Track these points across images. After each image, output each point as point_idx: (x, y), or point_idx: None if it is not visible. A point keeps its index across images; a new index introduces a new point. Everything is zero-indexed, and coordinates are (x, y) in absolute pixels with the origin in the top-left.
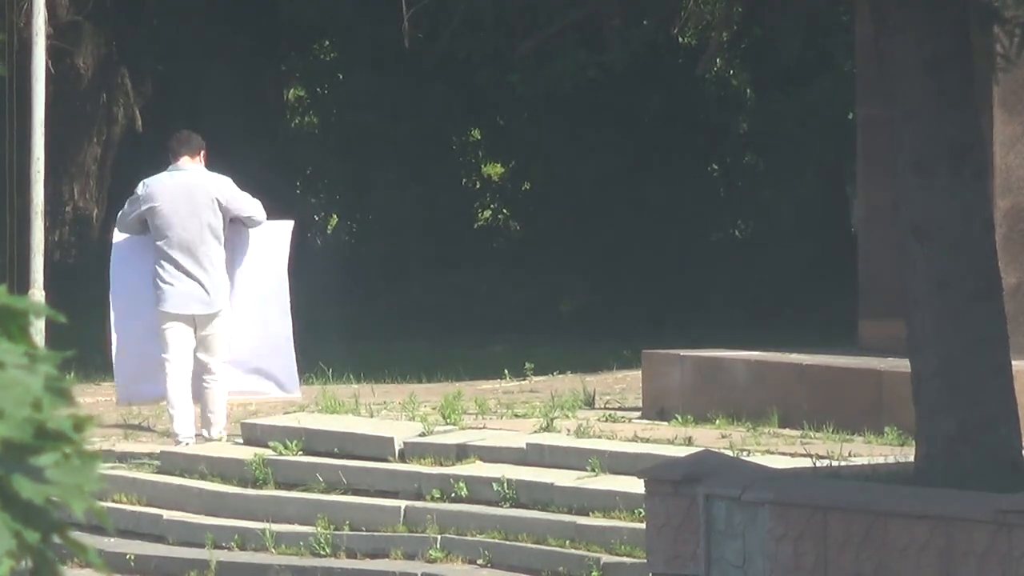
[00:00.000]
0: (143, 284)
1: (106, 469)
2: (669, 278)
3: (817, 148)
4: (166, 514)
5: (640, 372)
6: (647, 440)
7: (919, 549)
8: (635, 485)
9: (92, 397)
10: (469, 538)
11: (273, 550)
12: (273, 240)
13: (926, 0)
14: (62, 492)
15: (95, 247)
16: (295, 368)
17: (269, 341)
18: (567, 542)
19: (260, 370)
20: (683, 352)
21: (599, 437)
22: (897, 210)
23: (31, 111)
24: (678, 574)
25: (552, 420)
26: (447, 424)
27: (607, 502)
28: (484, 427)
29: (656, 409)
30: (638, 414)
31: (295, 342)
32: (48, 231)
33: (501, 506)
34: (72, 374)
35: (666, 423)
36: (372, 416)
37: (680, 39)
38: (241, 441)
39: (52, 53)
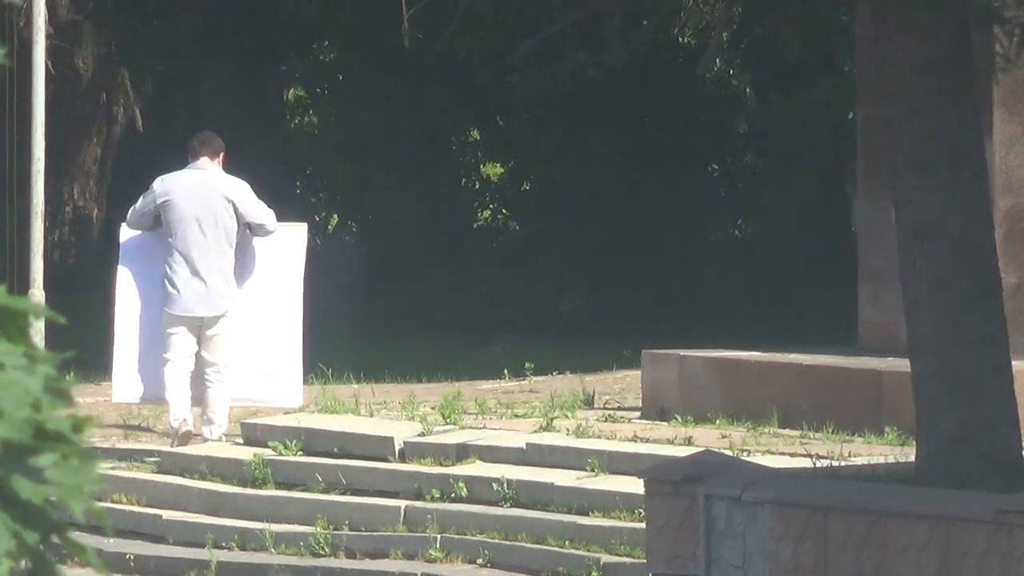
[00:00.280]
0: (150, 282)
1: (106, 469)
2: (669, 278)
3: (817, 148)
4: (166, 514)
5: (640, 372)
6: (647, 440)
7: (919, 549)
8: (635, 485)
9: (92, 397)
10: (469, 538)
11: (273, 550)
12: (288, 246)
13: (926, 0)
14: (61, 493)
15: (95, 247)
16: (300, 378)
17: (277, 348)
18: (567, 542)
19: (264, 376)
20: (683, 352)
21: (599, 437)
22: (897, 210)
23: (31, 111)
24: (678, 574)
25: (552, 420)
26: (447, 424)
27: (607, 502)
28: (484, 427)
29: (656, 409)
30: (638, 414)
31: (304, 347)
32: (48, 231)
33: (501, 506)
34: (72, 374)
35: (666, 423)
36: (372, 416)
37: (680, 39)
38: (241, 441)
39: (52, 53)
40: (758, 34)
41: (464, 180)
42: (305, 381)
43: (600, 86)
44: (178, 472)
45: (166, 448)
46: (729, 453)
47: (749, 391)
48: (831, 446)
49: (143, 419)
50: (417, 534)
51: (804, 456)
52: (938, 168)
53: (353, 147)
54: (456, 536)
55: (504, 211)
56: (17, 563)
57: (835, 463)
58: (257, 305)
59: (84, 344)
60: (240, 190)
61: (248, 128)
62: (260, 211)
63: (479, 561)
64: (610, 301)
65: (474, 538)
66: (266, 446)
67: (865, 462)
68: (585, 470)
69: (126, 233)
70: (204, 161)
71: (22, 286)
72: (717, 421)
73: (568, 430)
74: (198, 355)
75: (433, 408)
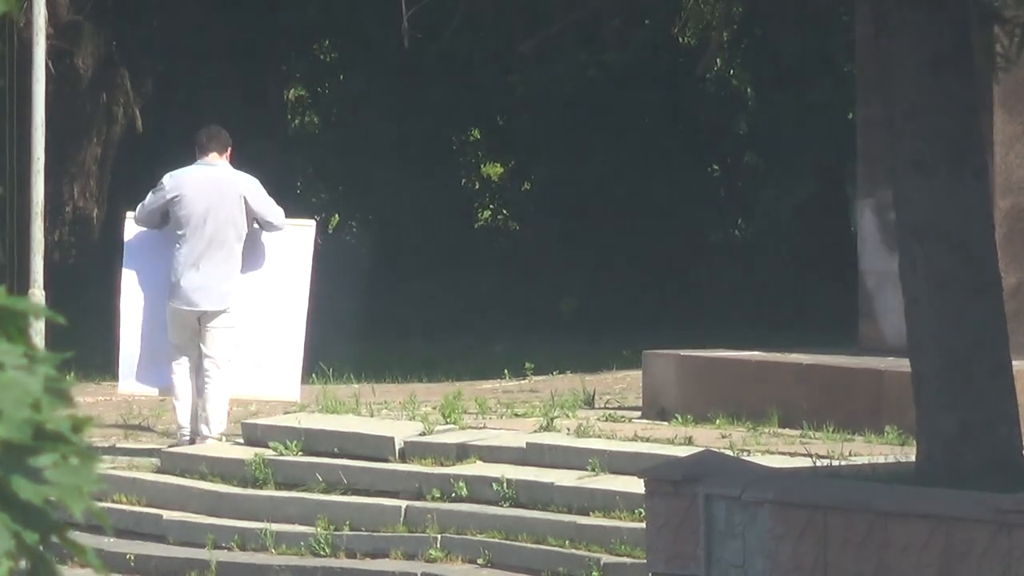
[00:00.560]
0: (154, 276)
1: (106, 469)
2: (669, 278)
3: (817, 148)
4: (166, 514)
5: (640, 372)
6: (647, 440)
7: (919, 549)
8: (635, 485)
9: (92, 397)
10: (469, 538)
11: (273, 550)
12: (297, 244)
13: (926, 0)
14: (61, 493)
15: (95, 247)
16: (298, 373)
17: (278, 343)
18: (567, 542)
19: (262, 369)
20: (683, 352)
21: (599, 437)
22: (897, 210)
23: (31, 111)
24: (678, 574)
25: (552, 420)
26: (447, 424)
27: (607, 502)
28: (484, 427)
29: (656, 409)
30: (638, 414)
31: (305, 345)
32: (48, 231)
33: (501, 506)
34: (72, 374)
35: (666, 423)
36: (372, 416)
37: (680, 39)
38: (241, 441)
39: (52, 53)
40: (758, 34)
41: (464, 180)
42: (305, 381)
43: (600, 86)
44: (178, 472)
45: (166, 448)
46: (729, 453)
47: (749, 391)
48: (831, 446)
49: (143, 419)
50: (417, 534)
51: (804, 456)
52: (938, 168)
53: (353, 147)
54: (456, 536)
55: (504, 211)
56: (17, 563)
57: (835, 463)
58: (263, 301)
59: (84, 344)
60: (251, 186)
61: (248, 128)
62: (270, 208)
63: (479, 561)
64: (610, 301)
65: (474, 538)
66: (266, 446)
67: (865, 462)
68: (585, 470)
69: (131, 229)
70: (213, 156)
71: (22, 286)
72: (717, 421)
73: (568, 430)
74: (200, 347)
75: (433, 408)
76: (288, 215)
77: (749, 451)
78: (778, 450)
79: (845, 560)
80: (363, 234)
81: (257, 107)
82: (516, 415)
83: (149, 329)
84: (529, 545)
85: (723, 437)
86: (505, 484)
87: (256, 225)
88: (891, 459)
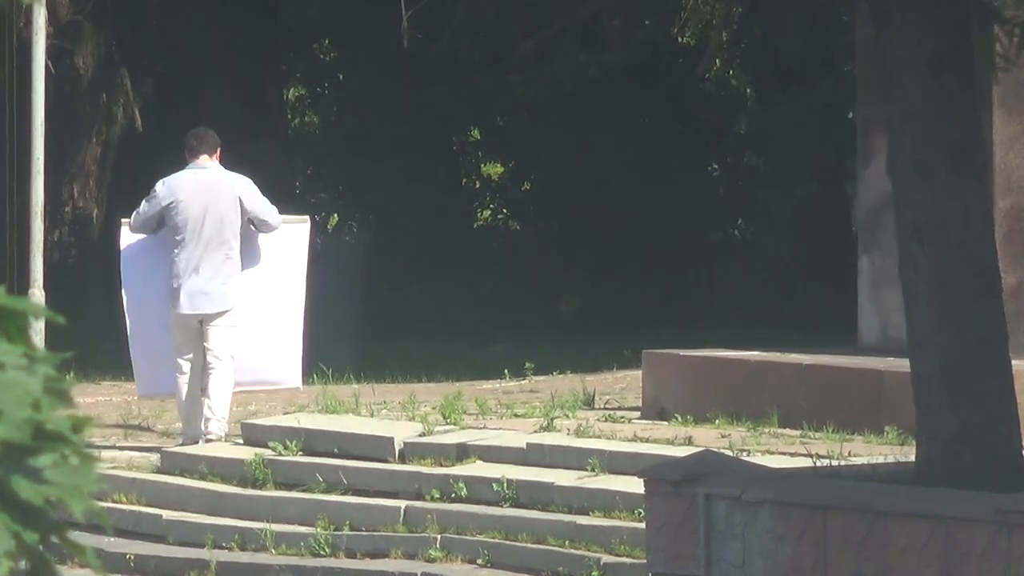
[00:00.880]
0: (154, 280)
1: (106, 469)
2: (669, 278)
3: (817, 148)
4: (166, 514)
5: (640, 372)
6: (647, 440)
7: (919, 549)
8: (635, 485)
9: (92, 397)
10: (469, 538)
11: (273, 550)
12: (292, 240)
13: (926, 0)
14: (61, 493)
15: (95, 247)
16: (299, 361)
17: (277, 337)
18: (567, 542)
19: (265, 359)
20: (683, 352)
21: (599, 437)
22: (897, 210)
23: (31, 111)
24: (678, 574)
25: (552, 420)
26: (447, 424)
27: (607, 502)
28: (484, 427)
29: (656, 409)
30: (638, 414)
31: (304, 338)
32: (48, 231)
33: (501, 506)
34: (72, 374)
35: (666, 423)
36: (372, 416)
37: (680, 39)
38: (241, 441)
39: (52, 53)
40: (758, 34)
41: (464, 180)
42: (305, 380)
43: (600, 86)
44: (178, 472)
45: (166, 448)
46: (729, 453)
47: (749, 391)
48: (831, 446)
49: (143, 419)
50: (417, 534)
51: (804, 456)
52: (938, 168)
53: (353, 147)
54: (456, 536)
55: (504, 211)
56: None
57: (835, 463)
58: (260, 296)
59: (84, 344)
60: (245, 186)
61: (248, 128)
62: (264, 207)
63: (479, 561)
64: (610, 301)
65: (474, 538)
66: (266, 446)
67: (865, 462)
68: (585, 470)
69: (126, 237)
70: (204, 159)
71: (22, 286)
72: (717, 421)
73: (568, 430)
74: (203, 347)
75: (433, 408)
76: (287, 215)
77: (749, 451)
78: (778, 450)
79: (845, 560)
80: (363, 234)
81: (257, 107)
82: (516, 415)
83: (156, 334)
84: (529, 545)
85: (723, 437)
86: (505, 484)
87: (252, 226)
88: (891, 459)
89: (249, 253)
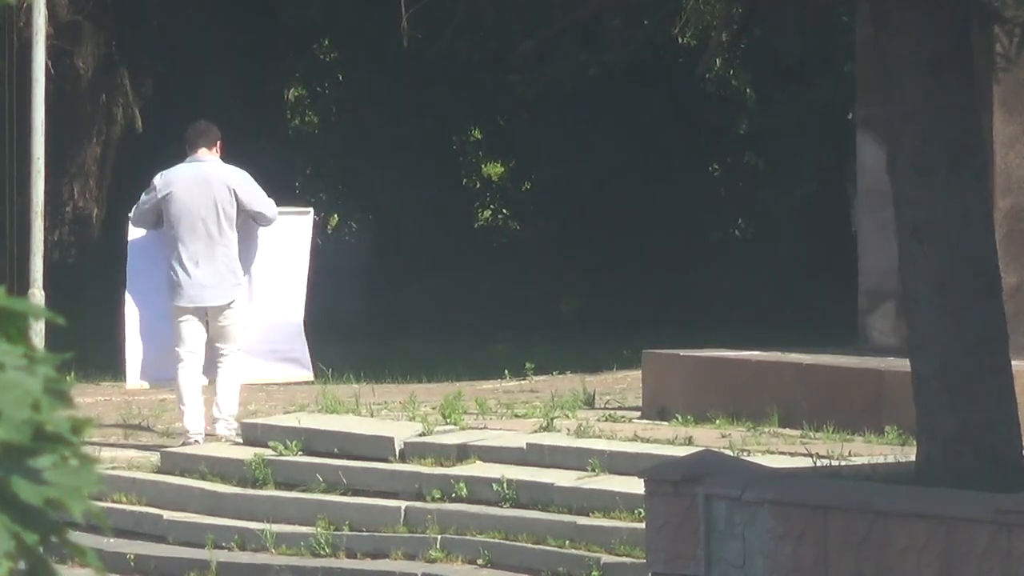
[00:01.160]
0: (157, 273)
1: (106, 469)
2: (669, 278)
3: (817, 148)
4: (166, 514)
5: (640, 372)
6: (647, 440)
7: (919, 549)
8: (635, 485)
9: (92, 397)
10: (469, 538)
11: (273, 550)
12: (295, 232)
13: (926, 0)
14: (60, 494)
15: (95, 247)
16: (306, 350)
17: (281, 328)
18: (567, 542)
19: (273, 354)
20: (683, 352)
21: (599, 437)
22: (897, 210)
23: (31, 111)
24: (678, 574)
25: (552, 420)
26: (447, 424)
27: (607, 502)
28: (484, 427)
29: (656, 409)
30: (638, 414)
31: (306, 330)
32: (48, 231)
33: (501, 506)
34: (72, 375)
35: (666, 423)
36: (372, 416)
37: (680, 39)
38: (241, 441)
39: (52, 53)
40: (758, 34)
41: (465, 180)
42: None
43: (600, 86)
44: (178, 472)
45: (166, 448)
46: (729, 453)
47: (749, 391)
48: (831, 446)
49: (143, 419)
50: (417, 534)
51: (804, 456)
52: (938, 168)
53: (353, 147)
54: (456, 536)
55: (504, 211)
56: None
57: (835, 463)
58: (263, 288)
59: (84, 344)
60: (240, 178)
61: (248, 128)
62: (260, 199)
63: (479, 561)
64: (610, 301)
65: (474, 538)
66: (266, 446)
67: (865, 462)
68: (585, 470)
69: (134, 231)
70: (203, 152)
71: (22, 286)
72: (717, 421)
73: (568, 430)
74: (208, 343)
75: (433, 408)
76: (290, 207)
77: (749, 451)
78: (778, 450)
79: (845, 560)
80: (363, 234)
81: (257, 107)
82: (516, 415)
83: (153, 323)
84: (529, 545)
85: (723, 437)
86: (505, 484)
87: (250, 219)
88: (891, 459)
89: (252, 245)
